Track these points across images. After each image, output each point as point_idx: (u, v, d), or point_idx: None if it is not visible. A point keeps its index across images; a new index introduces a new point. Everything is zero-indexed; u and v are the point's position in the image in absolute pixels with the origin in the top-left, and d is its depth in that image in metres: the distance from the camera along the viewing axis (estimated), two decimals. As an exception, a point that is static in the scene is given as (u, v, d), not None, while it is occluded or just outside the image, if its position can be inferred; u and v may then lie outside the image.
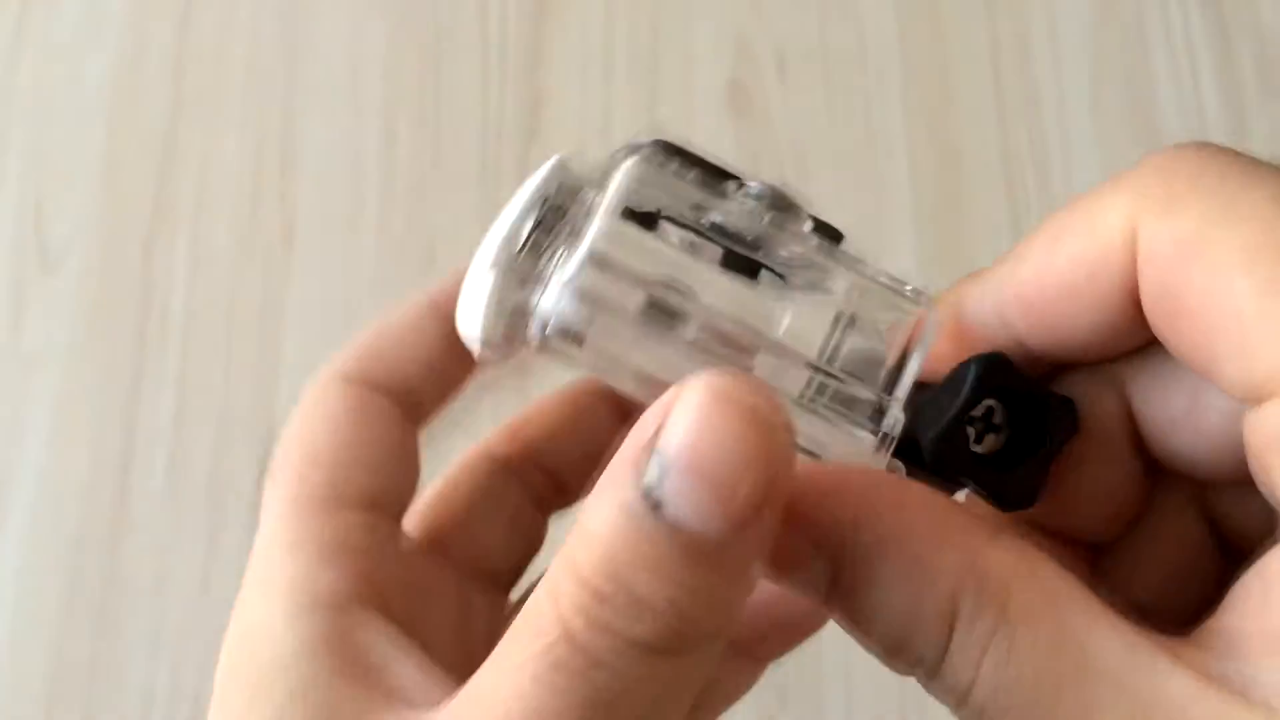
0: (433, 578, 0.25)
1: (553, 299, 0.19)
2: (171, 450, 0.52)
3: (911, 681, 0.19)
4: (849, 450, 0.20)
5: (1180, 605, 0.21)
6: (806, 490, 0.18)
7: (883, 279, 0.21)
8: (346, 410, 0.24)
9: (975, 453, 0.21)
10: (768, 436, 0.16)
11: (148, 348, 0.54)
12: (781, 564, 0.19)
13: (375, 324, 0.26)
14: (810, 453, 0.20)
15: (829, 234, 0.21)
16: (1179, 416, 0.21)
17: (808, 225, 0.21)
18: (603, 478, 0.17)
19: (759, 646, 0.26)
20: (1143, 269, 0.19)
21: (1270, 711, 0.16)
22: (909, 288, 0.21)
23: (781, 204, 0.21)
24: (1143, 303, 0.19)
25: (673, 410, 0.16)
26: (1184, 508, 0.22)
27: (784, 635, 0.26)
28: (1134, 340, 0.20)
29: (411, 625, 0.22)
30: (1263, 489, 0.19)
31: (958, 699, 0.18)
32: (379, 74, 0.59)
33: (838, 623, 0.19)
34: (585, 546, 0.17)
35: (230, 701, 0.21)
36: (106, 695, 0.48)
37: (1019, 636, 0.17)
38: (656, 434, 0.16)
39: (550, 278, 0.20)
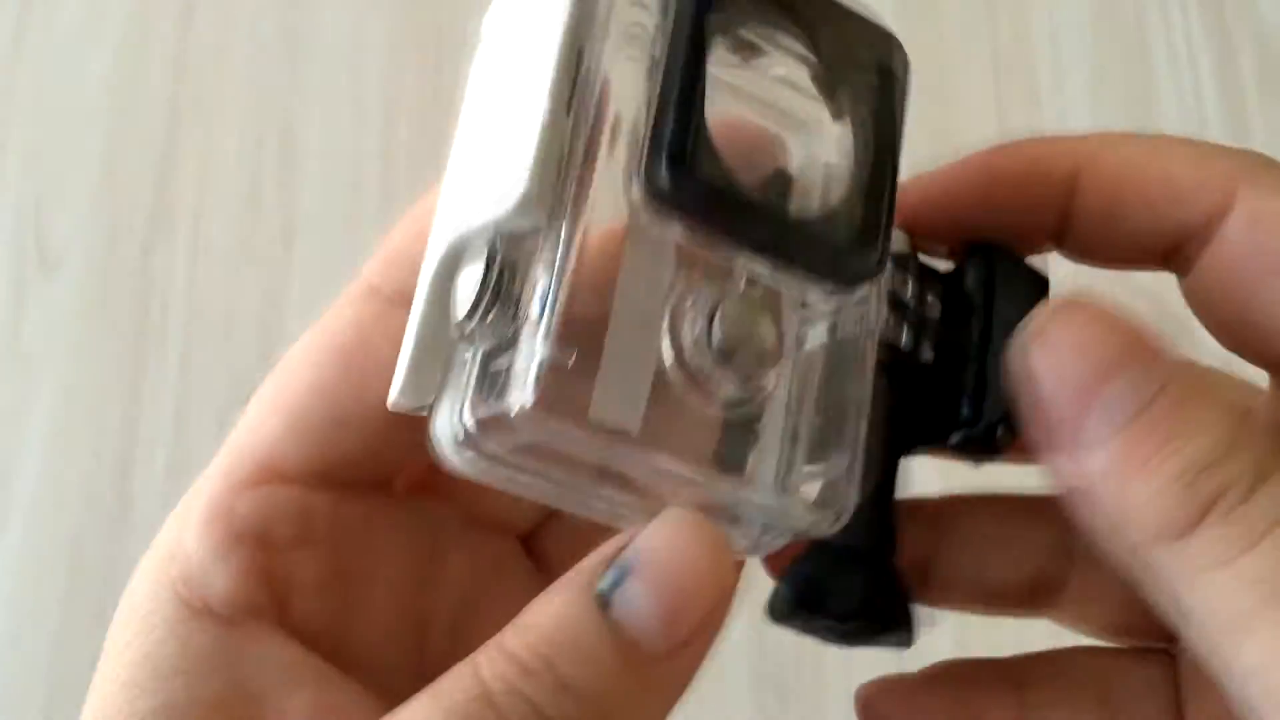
0: (393, 545, 0.22)
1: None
2: (171, 450, 0.52)
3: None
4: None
5: None
6: None
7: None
8: (356, 341, 0.20)
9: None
10: (724, 573, 0.17)
11: (148, 348, 0.54)
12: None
13: (414, 221, 0.21)
14: None
15: None
16: None
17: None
18: (553, 587, 0.18)
19: None
20: (1245, 226, 0.20)
21: None
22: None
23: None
24: (1220, 257, 0.20)
25: (651, 525, 0.17)
26: None
27: None
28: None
29: (339, 622, 0.20)
30: None
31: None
32: (379, 74, 0.59)
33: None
34: (518, 632, 0.17)
35: (108, 683, 0.19)
36: (106, 695, 0.48)
37: None
38: (623, 548, 0.17)
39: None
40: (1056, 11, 0.59)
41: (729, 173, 0.17)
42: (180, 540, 0.20)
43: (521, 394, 0.16)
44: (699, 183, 0.17)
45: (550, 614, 0.17)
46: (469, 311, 0.17)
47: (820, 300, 0.19)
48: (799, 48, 0.19)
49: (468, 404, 0.17)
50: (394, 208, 0.61)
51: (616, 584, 0.17)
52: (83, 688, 0.20)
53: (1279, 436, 0.18)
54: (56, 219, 0.56)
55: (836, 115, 0.19)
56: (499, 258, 0.17)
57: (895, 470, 0.21)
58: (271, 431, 0.20)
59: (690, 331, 0.18)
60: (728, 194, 0.17)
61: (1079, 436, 0.18)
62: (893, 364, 0.20)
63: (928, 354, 0.21)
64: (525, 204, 0.16)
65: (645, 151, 0.16)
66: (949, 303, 0.21)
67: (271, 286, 0.55)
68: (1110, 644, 0.25)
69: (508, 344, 0.17)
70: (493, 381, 0.17)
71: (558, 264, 0.16)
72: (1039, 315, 0.19)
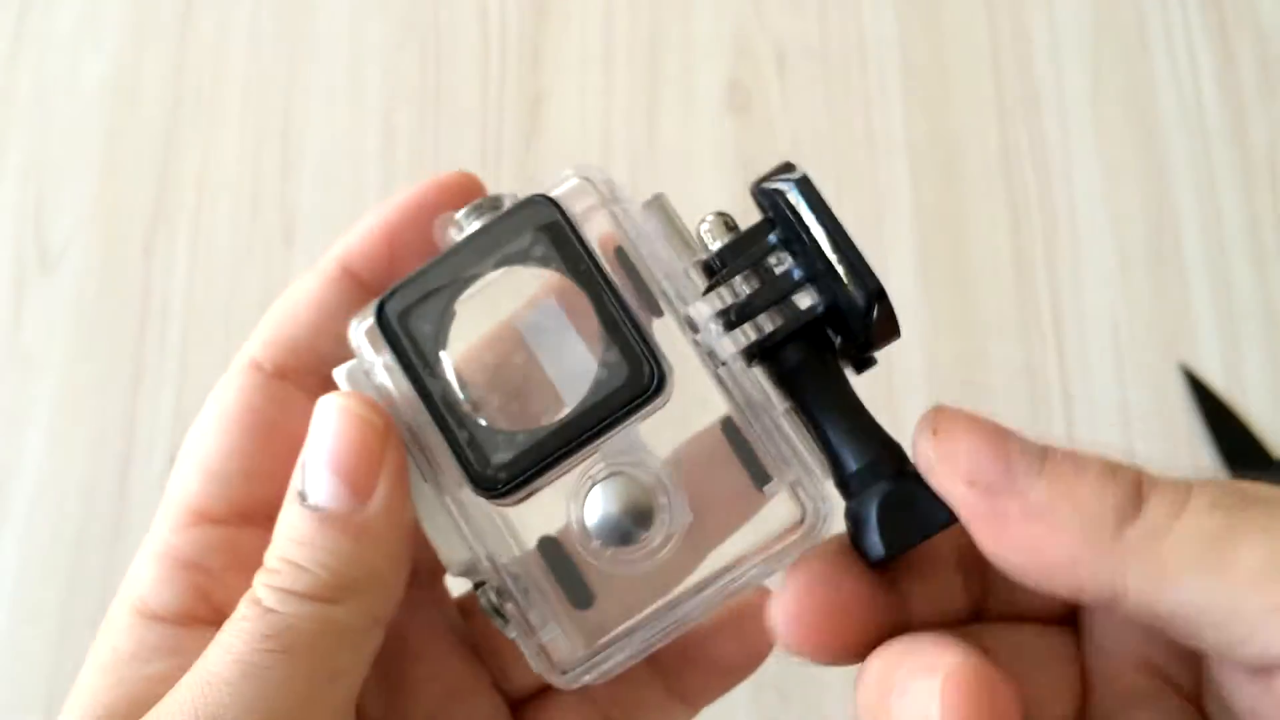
0: None
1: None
2: (171, 450, 0.52)
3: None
4: None
5: None
6: None
7: None
8: (247, 408, 0.26)
9: None
10: (373, 431, 0.22)
11: (148, 348, 0.54)
12: None
13: (286, 304, 0.26)
14: None
15: None
16: None
17: None
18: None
19: (688, 687, 0.28)
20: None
21: None
22: None
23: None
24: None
25: (313, 420, 0.23)
26: None
27: (714, 678, 0.28)
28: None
29: None
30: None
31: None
32: (379, 74, 0.59)
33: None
34: (269, 549, 0.23)
35: (83, 672, 0.25)
36: (106, 695, 0.48)
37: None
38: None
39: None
40: (1056, 11, 0.59)
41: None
42: (137, 573, 0.25)
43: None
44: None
45: (278, 523, 0.23)
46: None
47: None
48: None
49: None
50: (394, 208, 0.60)
51: (305, 478, 0.22)
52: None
53: None
54: (56, 219, 0.56)
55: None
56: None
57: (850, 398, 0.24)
58: (197, 486, 0.25)
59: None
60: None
61: (1013, 481, 0.21)
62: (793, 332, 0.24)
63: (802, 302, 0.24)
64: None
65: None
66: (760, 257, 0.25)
67: (271, 286, 0.55)
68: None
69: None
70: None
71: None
72: (925, 417, 0.22)
